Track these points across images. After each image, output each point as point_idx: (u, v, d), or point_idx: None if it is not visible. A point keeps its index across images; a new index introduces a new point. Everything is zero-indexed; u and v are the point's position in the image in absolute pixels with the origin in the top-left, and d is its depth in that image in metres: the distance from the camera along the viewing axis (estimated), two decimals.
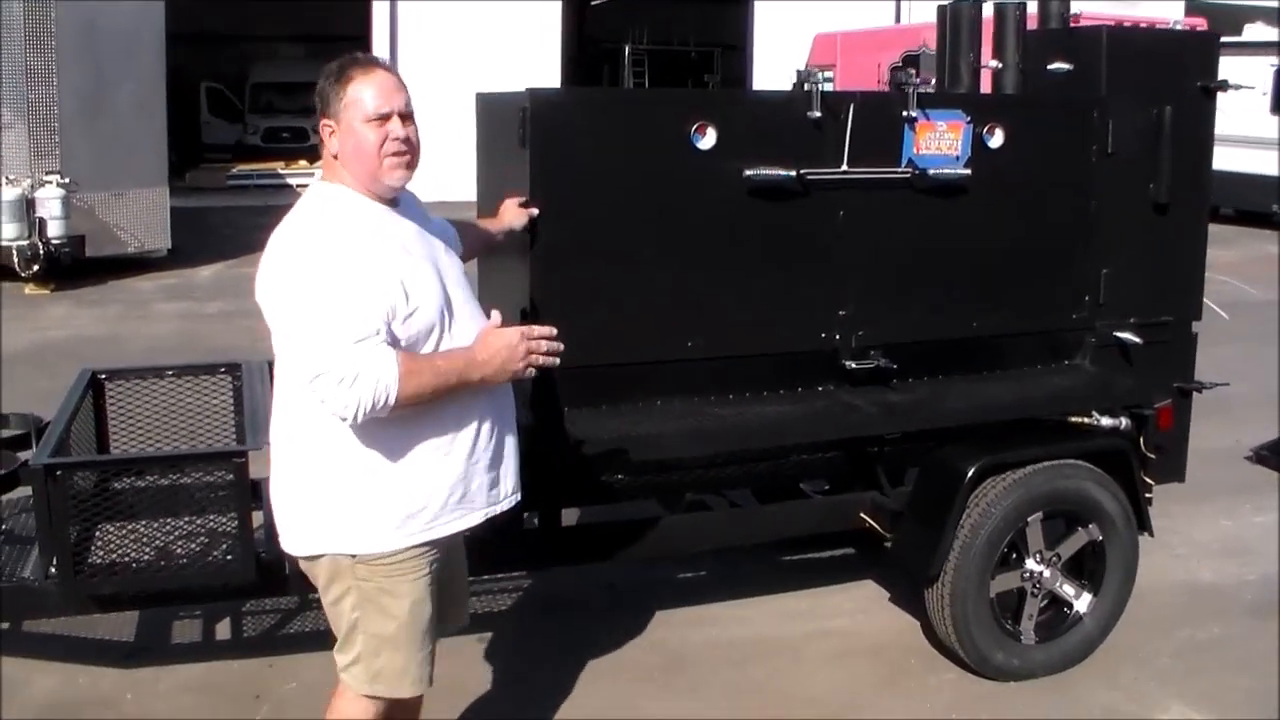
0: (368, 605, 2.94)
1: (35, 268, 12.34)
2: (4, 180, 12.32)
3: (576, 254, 3.82)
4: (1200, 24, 14.08)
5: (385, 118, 2.83)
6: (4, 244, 12.23)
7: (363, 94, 2.83)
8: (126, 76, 13.28)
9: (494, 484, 3.03)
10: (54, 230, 12.35)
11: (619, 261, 3.89)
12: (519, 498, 3.12)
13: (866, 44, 17.25)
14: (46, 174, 12.49)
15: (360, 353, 2.67)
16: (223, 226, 16.58)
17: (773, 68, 21.34)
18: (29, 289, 12.37)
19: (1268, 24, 20.34)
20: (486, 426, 2.96)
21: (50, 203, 12.34)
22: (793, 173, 3.98)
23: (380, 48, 20.96)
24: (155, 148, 13.95)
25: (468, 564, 3.34)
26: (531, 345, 2.89)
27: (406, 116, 2.87)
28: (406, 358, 2.74)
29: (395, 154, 2.85)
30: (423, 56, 20.33)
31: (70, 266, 12.63)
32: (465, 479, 2.94)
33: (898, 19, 23.35)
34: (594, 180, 3.83)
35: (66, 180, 12.53)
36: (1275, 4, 23.23)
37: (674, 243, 3.94)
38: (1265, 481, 6.55)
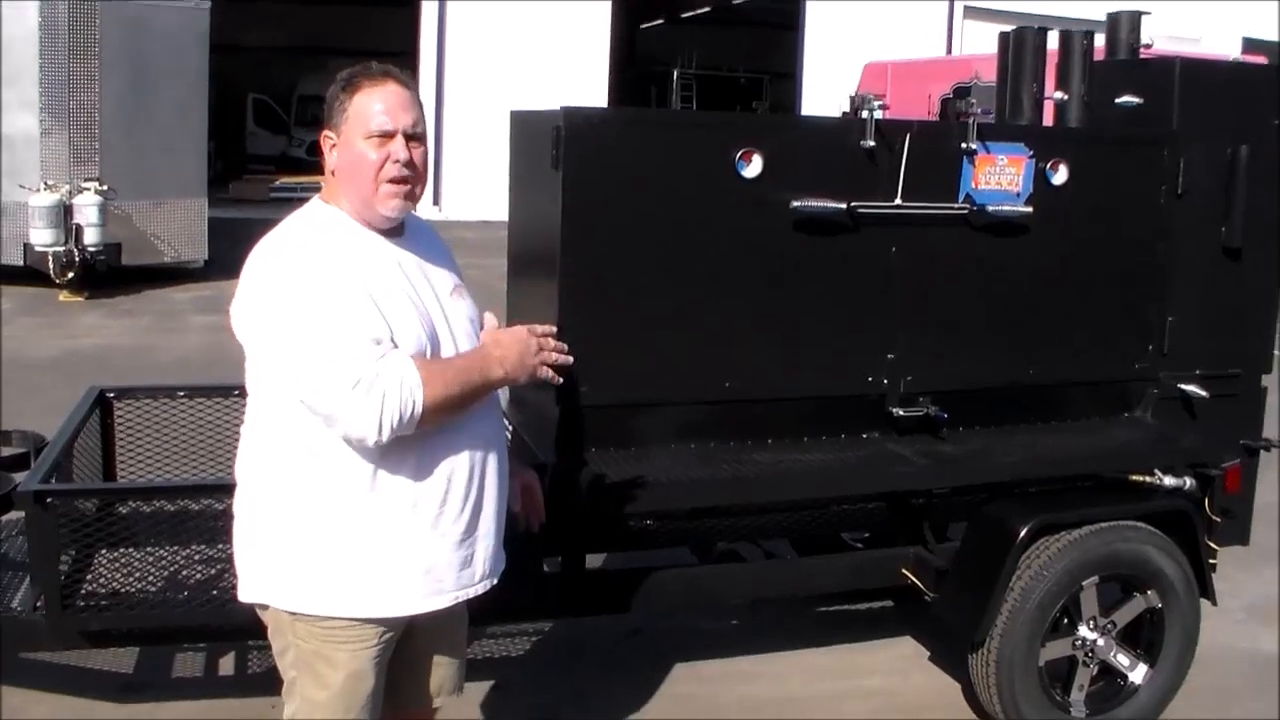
0: (304, 667, 2.70)
1: (70, 275, 12.32)
2: (42, 185, 12.31)
3: (608, 285, 3.59)
4: (1259, 61, 13.71)
5: (388, 136, 2.58)
6: (40, 250, 12.22)
7: (367, 107, 2.58)
8: (169, 84, 13.25)
9: (465, 564, 2.73)
10: (90, 237, 12.34)
11: (653, 294, 3.65)
12: (495, 581, 2.84)
13: (917, 74, 16.95)
14: (85, 180, 12.48)
15: (376, 358, 2.45)
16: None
17: (822, 96, 21.19)
18: (63, 296, 12.33)
19: None
20: (457, 495, 2.67)
21: (88, 209, 12.32)
22: (843, 205, 3.74)
23: (428, 63, 20.96)
24: (195, 157, 13.94)
25: (484, 612, 3.04)
26: (542, 342, 2.79)
27: (413, 138, 2.62)
28: (422, 361, 2.53)
29: (394, 180, 2.59)
30: (471, 72, 20.30)
31: (105, 274, 12.61)
32: (429, 554, 2.66)
33: (949, 50, 23.15)
34: (630, 206, 3.59)
35: (105, 187, 12.52)
36: None
37: (713, 276, 3.70)
38: None
